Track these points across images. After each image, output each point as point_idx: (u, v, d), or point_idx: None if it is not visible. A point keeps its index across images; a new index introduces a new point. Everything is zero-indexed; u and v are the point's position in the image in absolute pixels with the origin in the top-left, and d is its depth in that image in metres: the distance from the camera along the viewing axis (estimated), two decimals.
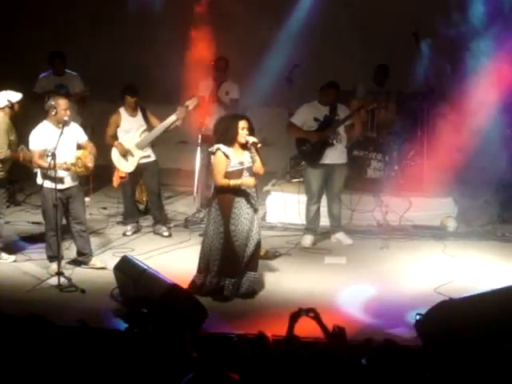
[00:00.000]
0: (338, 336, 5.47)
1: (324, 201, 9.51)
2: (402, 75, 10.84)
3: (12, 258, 8.69)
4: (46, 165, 8.06)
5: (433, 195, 10.15)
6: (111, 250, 8.99)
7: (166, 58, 10.93)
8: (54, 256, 8.28)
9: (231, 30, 11.20)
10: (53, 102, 8.20)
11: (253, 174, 7.67)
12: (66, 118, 8.18)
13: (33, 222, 9.88)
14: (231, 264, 7.64)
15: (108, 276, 8.10)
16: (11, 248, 8.93)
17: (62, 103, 8.20)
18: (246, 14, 11.39)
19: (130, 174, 9.50)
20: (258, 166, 7.64)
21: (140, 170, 9.54)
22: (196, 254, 8.99)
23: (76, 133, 8.39)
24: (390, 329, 7.04)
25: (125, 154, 9.37)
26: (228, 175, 7.56)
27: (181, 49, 10.62)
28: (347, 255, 9.01)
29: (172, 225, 9.87)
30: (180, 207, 10.67)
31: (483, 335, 6.44)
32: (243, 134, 7.54)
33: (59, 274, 7.93)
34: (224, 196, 7.61)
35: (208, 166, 10.19)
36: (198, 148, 9.94)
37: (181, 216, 10.25)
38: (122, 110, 9.53)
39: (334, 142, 9.31)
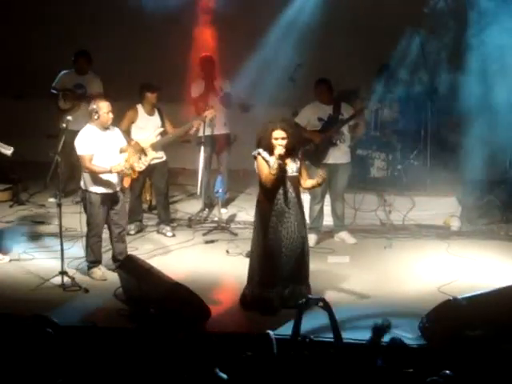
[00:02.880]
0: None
1: (327, 200, 9.51)
2: (405, 74, 10.84)
3: (7, 258, 8.61)
4: (99, 169, 8.01)
5: (436, 194, 10.16)
6: (112, 251, 8.96)
7: (175, 58, 10.98)
8: (97, 261, 8.27)
9: (234, 29, 11.21)
10: (94, 106, 8.08)
11: (296, 184, 7.43)
12: (109, 122, 8.10)
13: (37, 222, 9.88)
14: (271, 274, 7.41)
15: (111, 275, 8.12)
16: (13, 247, 8.91)
17: (104, 106, 8.06)
18: (248, 14, 11.41)
19: (139, 173, 9.41)
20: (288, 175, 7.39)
21: (150, 169, 9.50)
22: (199, 253, 9.07)
23: (118, 137, 8.32)
24: (394, 328, 7.02)
25: (139, 153, 9.26)
26: None
27: (186, 48, 10.70)
28: (350, 254, 9.01)
29: (175, 224, 9.87)
30: (183, 206, 10.66)
31: (487, 334, 6.44)
32: (277, 146, 7.24)
33: (63, 273, 7.94)
34: (263, 204, 7.42)
35: (210, 165, 10.27)
36: (201, 147, 9.94)
37: (184, 215, 10.25)
38: (139, 107, 9.46)
39: (338, 141, 9.32)
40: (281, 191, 7.37)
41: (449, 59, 10.84)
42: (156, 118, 9.49)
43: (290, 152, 7.34)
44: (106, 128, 8.14)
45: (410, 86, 10.94)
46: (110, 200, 8.19)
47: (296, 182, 7.45)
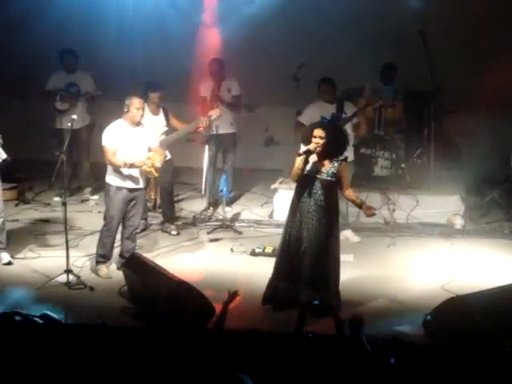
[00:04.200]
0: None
1: None
2: (409, 73, 10.87)
3: (6, 259, 8.49)
4: (120, 163, 8.02)
5: (440, 193, 10.18)
6: (120, 247, 9.00)
7: (176, 56, 11.00)
8: (106, 256, 8.29)
9: (238, 29, 11.24)
10: (127, 102, 8.10)
11: (328, 189, 7.43)
12: (138, 118, 8.13)
13: (42, 220, 9.92)
14: (285, 267, 7.47)
15: (117, 273, 8.16)
16: (19, 246, 8.95)
17: (136, 102, 8.09)
18: (253, 13, 11.43)
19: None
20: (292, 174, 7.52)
21: None
22: (204, 252, 9.09)
23: (148, 136, 8.32)
24: (398, 326, 7.06)
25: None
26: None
27: (190, 48, 10.70)
28: (354, 253, 9.01)
29: (180, 223, 9.90)
30: (188, 205, 10.69)
31: (491, 332, 6.45)
32: (313, 143, 7.32)
33: (68, 271, 7.98)
34: (293, 199, 7.54)
35: (215, 164, 10.30)
36: (206, 146, 9.97)
37: (188, 213, 10.27)
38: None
39: None
40: (309, 191, 7.40)
41: (452, 58, 10.89)
42: (160, 118, 9.52)
43: (327, 154, 7.36)
44: (136, 124, 8.16)
45: (413, 85, 10.98)
46: (130, 196, 8.19)
47: (329, 187, 7.43)
